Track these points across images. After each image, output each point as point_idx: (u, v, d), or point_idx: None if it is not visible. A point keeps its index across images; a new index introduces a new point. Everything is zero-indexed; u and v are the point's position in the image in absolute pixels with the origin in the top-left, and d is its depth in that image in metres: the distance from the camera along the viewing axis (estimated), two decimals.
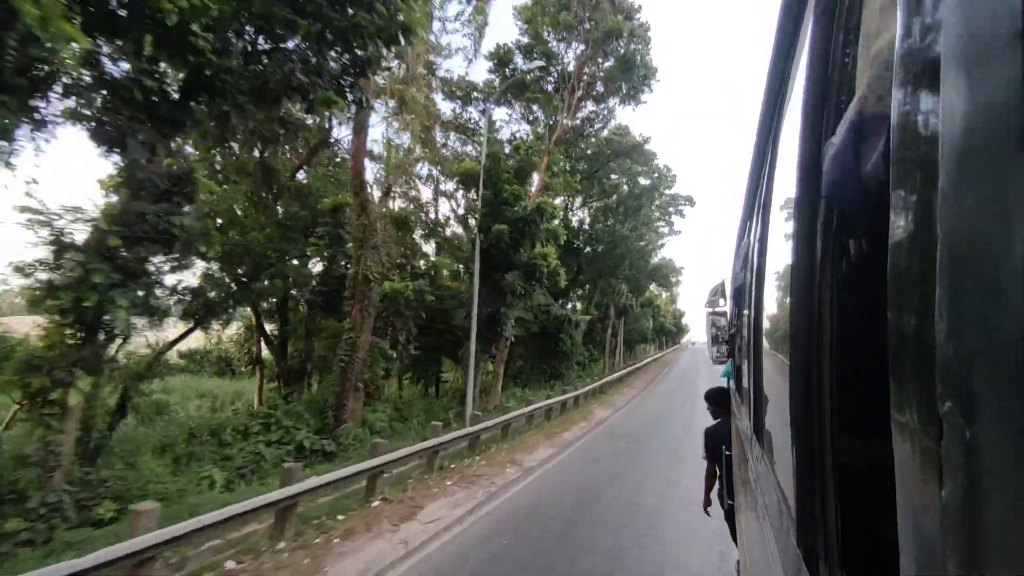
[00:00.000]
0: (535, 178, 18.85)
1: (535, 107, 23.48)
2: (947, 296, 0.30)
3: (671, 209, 34.19)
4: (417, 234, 20.52)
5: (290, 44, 7.00)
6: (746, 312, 2.13)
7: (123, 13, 5.61)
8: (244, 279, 14.18)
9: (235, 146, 13.83)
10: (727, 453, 3.33)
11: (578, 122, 23.75)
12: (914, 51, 0.38)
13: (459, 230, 22.06)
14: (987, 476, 0.26)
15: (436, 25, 16.06)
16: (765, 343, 1.46)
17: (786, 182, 1.02)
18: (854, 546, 0.62)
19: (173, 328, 12.56)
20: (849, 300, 0.68)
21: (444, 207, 22.76)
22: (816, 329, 0.75)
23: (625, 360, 38.22)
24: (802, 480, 0.79)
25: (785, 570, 0.89)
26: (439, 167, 20.87)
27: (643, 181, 28.80)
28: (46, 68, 5.14)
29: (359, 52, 7.18)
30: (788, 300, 0.92)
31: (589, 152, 25.98)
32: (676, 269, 47.50)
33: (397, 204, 18.13)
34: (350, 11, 6.76)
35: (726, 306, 4.14)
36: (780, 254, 1.14)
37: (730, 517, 3.48)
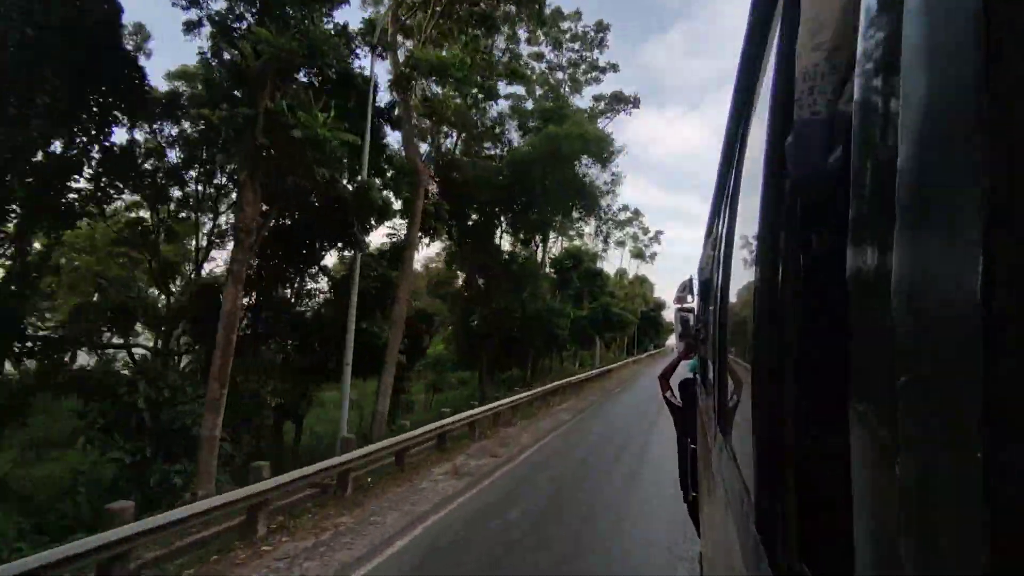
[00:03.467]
0: None
1: None
2: (902, 282, 0.31)
3: None
4: None
5: None
6: (711, 307, 2.18)
7: None
8: None
9: None
10: (692, 447, 3.41)
11: None
12: (873, 48, 0.38)
13: None
14: (935, 460, 0.27)
15: None
16: (729, 337, 1.49)
17: (753, 178, 1.04)
18: (810, 529, 0.64)
19: None
20: (810, 295, 0.69)
21: None
22: (777, 322, 0.77)
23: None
24: (761, 468, 0.81)
25: (744, 555, 0.92)
26: None
27: None
28: None
29: None
30: (751, 295, 0.94)
31: None
32: (610, 142, 21.76)
33: None
34: None
35: (694, 302, 4.22)
36: (745, 250, 1.17)
37: (693, 511, 3.55)
